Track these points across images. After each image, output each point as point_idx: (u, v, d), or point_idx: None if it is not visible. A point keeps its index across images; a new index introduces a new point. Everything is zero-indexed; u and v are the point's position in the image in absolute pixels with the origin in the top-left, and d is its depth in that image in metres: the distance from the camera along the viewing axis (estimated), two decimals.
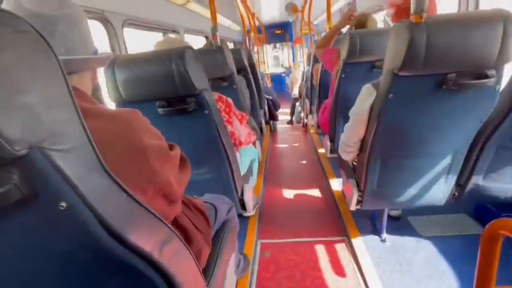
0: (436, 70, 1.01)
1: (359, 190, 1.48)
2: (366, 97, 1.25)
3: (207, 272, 0.92)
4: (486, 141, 1.25)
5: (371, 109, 1.23)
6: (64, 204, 0.41)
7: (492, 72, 1.01)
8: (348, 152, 1.46)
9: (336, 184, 2.46)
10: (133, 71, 1.14)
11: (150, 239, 0.57)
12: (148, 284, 0.59)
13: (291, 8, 6.45)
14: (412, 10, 0.96)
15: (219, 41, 1.91)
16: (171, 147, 0.78)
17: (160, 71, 1.13)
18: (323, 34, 5.36)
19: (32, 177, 0.39)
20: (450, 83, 1.02)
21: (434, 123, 1.15)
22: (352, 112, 1.36)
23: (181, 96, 1.20)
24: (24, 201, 0.40)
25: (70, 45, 0.60)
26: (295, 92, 5.50)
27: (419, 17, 0.95)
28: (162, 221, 0.62)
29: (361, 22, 1.96)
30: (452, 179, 1.37)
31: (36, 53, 0.39)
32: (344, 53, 1.86)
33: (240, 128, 1.70)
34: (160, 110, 1.21)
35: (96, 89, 1.37)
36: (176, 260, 0.66)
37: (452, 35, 0.94)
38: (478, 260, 0.75)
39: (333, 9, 3.57)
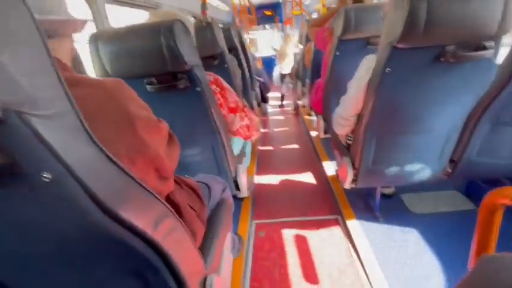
0: (435, 42, 0.99)
1: (354, 168, 1.48)
2: (369, 68, 1.21)
3: (203, 251, 0.91)
4: (481, 116, 1.25)
5: (368, 84, 1.20)
6: (47, 175, 0.38)
7: (491, 43, 0.99)
8: (343, 126, 1.43)
9: (329, 165, 2.46)
10: (119, 46, 1.08)
11: (144, 215, 0.54)
12: (143, 262, 0.57)
13: None
14: None
15: (209, 17, 1.84)
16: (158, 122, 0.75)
17: (147, 45, 1.07)
18: (314, 14, 5.21)
19: (11, 144, 0.36)
20: (448, 56, 1.00)
21: (431, 98, 1.14)
22: (352, 84, 1.31)
23: (171, 73, 1.14)
24: (4, 172, 0.36)
25: (45, 7, 0.55)
26: (285, 68, 5.19)
27: None
28: (156, 197, 0.59)
29: None
30: (447, 155, 1.38)
31: (10, 10, 0.35)
32: (338, 30, 1.81)
33: (228, 117, 1.55)
34: (148, 87, 1.16)
35: (79, 63, 1.30)
36: (172, 237, 0.64)
37: (454, 4, 0.91)
38: (476, 227, 0.75)
39: None
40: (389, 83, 1.10)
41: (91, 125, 0.44)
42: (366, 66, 1.21)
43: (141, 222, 0.52)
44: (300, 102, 4.34)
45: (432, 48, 1.01)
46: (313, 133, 3.26)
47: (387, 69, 1.07)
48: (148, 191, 0.57)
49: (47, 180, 0.38)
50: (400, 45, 1.00)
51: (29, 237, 0.47)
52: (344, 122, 1.41)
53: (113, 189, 0.47)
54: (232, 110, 1.54)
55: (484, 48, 0.99)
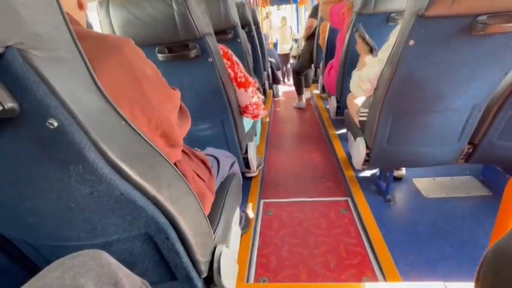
0: (466, 10, 0.91)
1: (367, 148, 1.44)
2: None
3: (212, 222, 0.90)
4: (507, 97, 1.17)
5: (387, 59, 1.14)
6: (52, 121, 0.35)
7: None
8: (363, 90, 1.33)
9: (340, 147, 2.42)
10: (130, 11, 1.04)
11: (152, 176, 0.52)
12: (153, 226, 0.55)
13: None
14: None
15: None
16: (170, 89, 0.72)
17: (159, 11, 1.03)
18: None
19: (14, 85, 0.33)
20: (479, 27, 0.93)
21: (456, 74, 1.07)
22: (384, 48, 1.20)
23: (182, 41, 1.10)
24: (7, 115, 0.34)
25: None
26: (286, 47, 5.38)
27: None
28: (166, 159, 0.57)
29: None
30: (466, 137, 1.32)
31: None
32: (357, 4, 1.73)
33: (237, 92, 1.49)
34: (159, 55, 1.13)
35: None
36: (182, 203, 0.63)
37: None
38: (499, 210, 0.71)
39: None
40: (412, 56, 1.04)
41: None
42: None
43: (149, 183, 0.51)
44: (315, 92, 4.18)
45: (462, 17, 0.93)
46: (325, 115, 3.18)
47: (411, 42, 1.00)
48: (158, 152, 0.55)
49: (52, 127, 0.36)
50: (427, 14, 0.93)
51: (34, 190, 0.45)
52: (364, 86, 1.30)
53: (121, 145, 0.45)
54: (242, 85, 1.46)
55: None
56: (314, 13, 3.51)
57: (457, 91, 1.12)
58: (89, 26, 1.19)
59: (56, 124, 0.36)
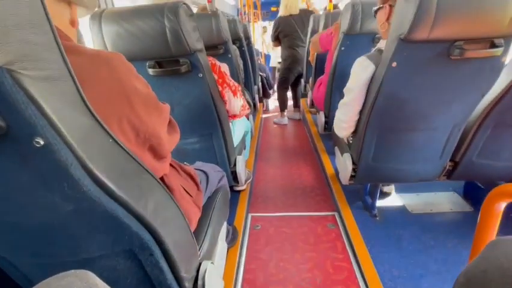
0: (444, 36, 0.96)
1: (353, 164, 1.47)
2: (361, 71, 1.20)
3: (198, 237, 0.89)
4: (486, 117, 1.23)
5: (372, 79, 1.19)
6: (39, 140, 0.36)
7: (500, 41, 0.98)
8: (344, 128, 1.41)
9: (328, 162, 2.45)
10: (122, 26, 1.05)
11: (139, 193, 0.52)
12: (137, 242, 0.55)
13: None
14: None
15: (214, 4, 1.81)
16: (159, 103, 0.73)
17: (151, 27, 1.05)
18: (322, 11, 5.17)
19: (2, 105, 0.34)
20: (457, 51, 0.98)
21: (436, 95, 1.12)
22: (348, 89, 1.31)
23: (173, 56, 1.12)
24: None
25: None
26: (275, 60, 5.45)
27: None
28: (153, 177, 0.57)
29: None
30: (448, 155, 1.36)
31: None
32: (344, 25, 1.79)
33: (233, 100, 1.57)
34: (150, 70, 1.14)
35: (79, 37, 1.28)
36: (168, 220, 0.63)
37: None
38: (477, 225, 0.74)
39: None
40: (395, 78, 1.08)
41: (85, 93, 0.42)
42: (359, 70, 1.22)
43: (135, 200, 0.51)
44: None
45: (441, 42, 0.99)
46: (314, 129, 3.23)
47: (394, 64, 1.05)
48: (145, 169, 0.55)
49: (38, 145, 0.36)
50: (408, 38, 0.97)
51: (19, 207, 0.45)
52: (345, 125, 1.40)
53: (108, 162, 0.46)
54: (235, 93, 1.53)
55: (494, 45, 0.98)
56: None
57: (438, 111, 1.17)
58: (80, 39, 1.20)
59: (42, 142, 0.36)
